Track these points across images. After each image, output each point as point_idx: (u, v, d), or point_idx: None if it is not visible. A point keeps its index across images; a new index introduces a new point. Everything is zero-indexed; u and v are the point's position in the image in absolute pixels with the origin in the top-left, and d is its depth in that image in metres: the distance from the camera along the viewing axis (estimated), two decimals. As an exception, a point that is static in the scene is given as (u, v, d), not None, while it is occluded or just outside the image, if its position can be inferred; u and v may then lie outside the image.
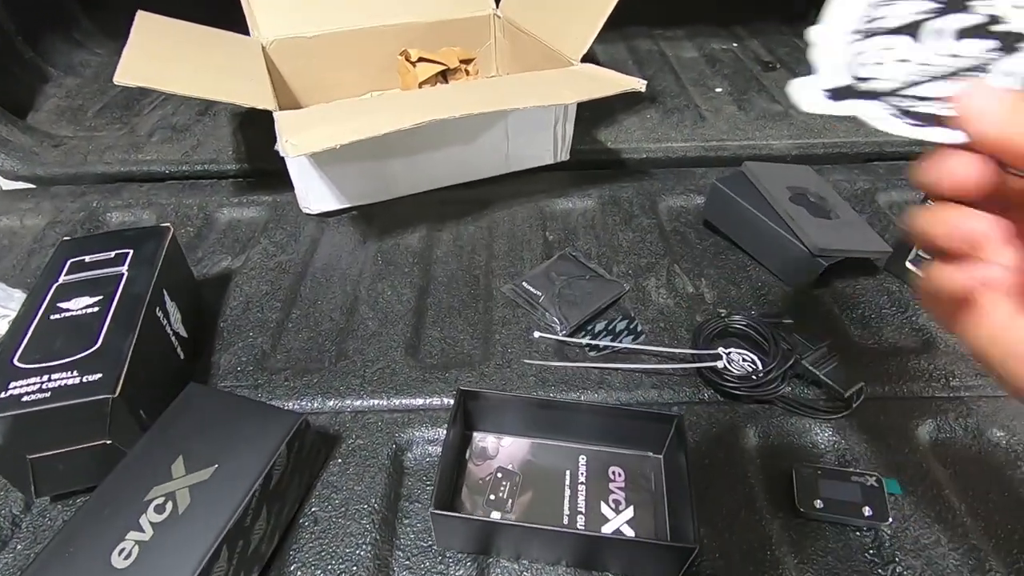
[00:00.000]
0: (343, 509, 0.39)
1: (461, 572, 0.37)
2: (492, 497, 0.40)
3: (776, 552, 0.37)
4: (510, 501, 0.39)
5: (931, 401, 0.45)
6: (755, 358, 0.47)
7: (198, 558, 0.31)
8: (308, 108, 0.54)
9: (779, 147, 0.77)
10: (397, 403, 0.46)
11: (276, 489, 0.36)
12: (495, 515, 0.39)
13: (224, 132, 0.78)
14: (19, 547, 0.38)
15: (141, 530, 0.32)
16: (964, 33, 0.19)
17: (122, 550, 0.31)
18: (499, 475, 0.41)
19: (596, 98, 0.56)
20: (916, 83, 0.20)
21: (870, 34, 0.20)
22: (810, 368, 0.45)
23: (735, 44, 1.04)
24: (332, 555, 0.37)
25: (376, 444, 0.43)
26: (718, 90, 0.89)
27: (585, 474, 0.41)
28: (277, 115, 0.53)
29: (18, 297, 0.52)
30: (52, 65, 0.94)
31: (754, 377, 0.45)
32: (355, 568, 0.36)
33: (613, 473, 0.41)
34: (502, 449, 0.42)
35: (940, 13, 0.19)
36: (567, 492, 0.40)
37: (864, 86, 0.20)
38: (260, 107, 0.55)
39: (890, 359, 0.49)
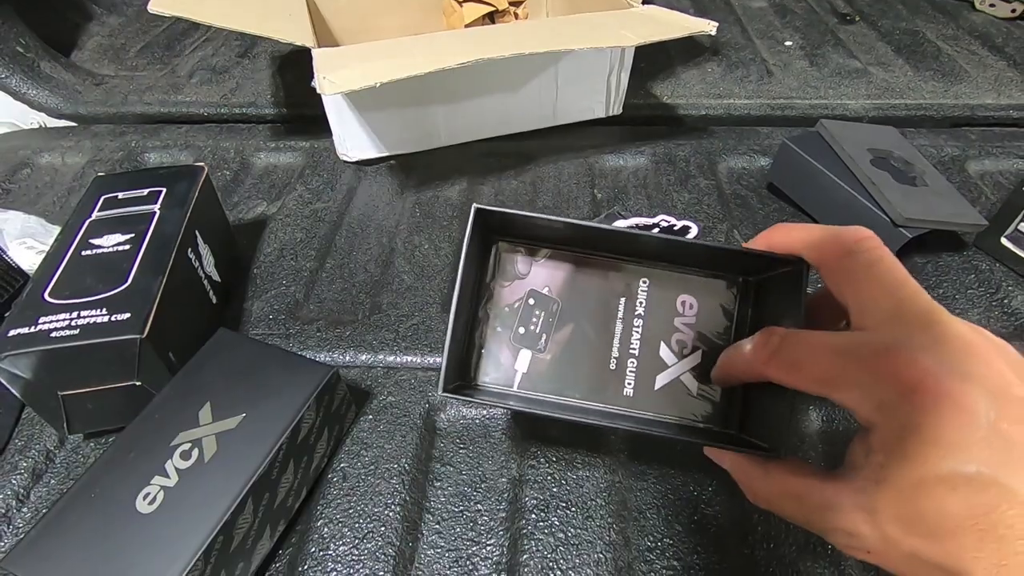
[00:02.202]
0: (372, 467, 0.38)
1: (492, 541, 0.35)
2: (522, 331, 0.31)
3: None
4: (544, 336, 0.31)
5: None
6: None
7: (224, 508, 0.30)
8: (347, 46, 0.51)
9: (855, 107, 0.70)
10: (431, 361, 0.44)
11: (304, 442, 0.34)
12: (525, 354, 0.31)
13: (263, 75, 0.75)
14: (52, 482, 0.38)
15: (167, 476, 0.31)
16: None
17: (147, 495, 0.30)
18: (531, 301, 0.32)
19: (659, 42, 0.51)
20: None
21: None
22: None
23: (809, -7, 0.95)
24: (360, 513, 0.36)
25: (408, 402, 0.41)
26: (788, 43, 0.81)
27: (645, 304, 0.31)
28: (315, 52, 0.50)
29: (57, 233, 0.52)
30: (96, 3, 0.92)
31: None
32: (383, 528, 0.35)
33: (682, 304, 0.31)
34: (536, 267, 0.32)
35: None
36: (619, 327, 0.31)
37: None
38: (298, 43, 0.52)
39: (976, 344, 0.44)
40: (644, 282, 0.32)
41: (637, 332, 0.31)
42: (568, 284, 0.32)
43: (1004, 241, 0.49)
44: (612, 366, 0.31)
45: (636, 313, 0.31)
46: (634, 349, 0.31)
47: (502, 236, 0.32)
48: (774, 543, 0.34)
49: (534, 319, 0.31)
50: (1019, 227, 0.47)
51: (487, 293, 0.32)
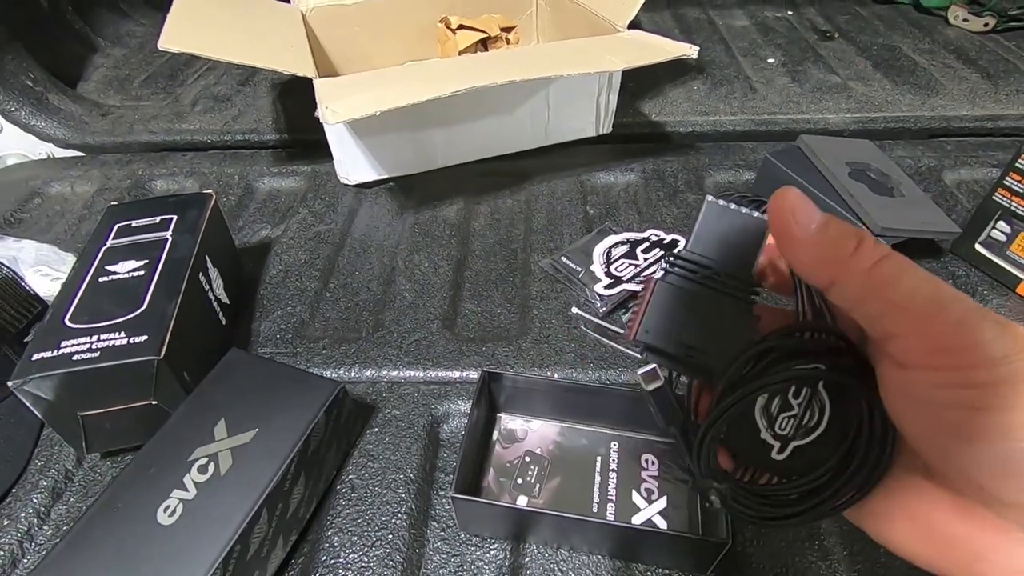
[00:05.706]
0: (379, 478, 0.39)
1: (496, 545, 0.36)
2: (520, 481, 0.39)
3: (825, 542, 0.36)
4: (538, 486, 0.38)
5: (999, 392, 0.42)
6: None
7: (240, 519, 0.31)
8: (347, 76, 0.54)
9: (836, 121, 0.72)
10: (433, 375, 0.45)
11: (314, 455, 0.36)
12: (522, 500, 0.38)
13: (264, 102, 0.78)
14: (72, 500, 0.39)
15: (185, 489, 0.32)
16: None
17: (167, 507, 0.32)
18: (527, 459, 0.40)
19: (644, 66, 0.54)
20: None
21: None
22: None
23: (790, 12, 0.99)
24: (368, 522, 0.37)
25: (412, 415, 0.43)
26: (771, 61, 0.85)
27: (617, 461, 0.39)
28: (316, 82, 0.53)
29: (70, 261, 0.54)
30: (100, 35, 0.95)
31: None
32: (391, 536, 0.36)
33: (646, 461, 0.39)
34: (531, 432, 0.41)
35: None
36: (597, 479, 0.39)
37: None
38: (300, 74, 0.55)
39: (954, 347, 0.46)
40: (615, 444, 0.40)
41: (612, 483, 0.38)
42: (555, 445, 0.40)
43: (978, 247, 0.51)
44: (594, 509, 0.37)
45: (611, 468, 0.39)
46: (611, 496, 0.38)
47: (504, 410, 0.42)
48: None
49: (529, 472, 0.39)
50: (991, 234, 0.50)
51: (492, 449, 0.40)
